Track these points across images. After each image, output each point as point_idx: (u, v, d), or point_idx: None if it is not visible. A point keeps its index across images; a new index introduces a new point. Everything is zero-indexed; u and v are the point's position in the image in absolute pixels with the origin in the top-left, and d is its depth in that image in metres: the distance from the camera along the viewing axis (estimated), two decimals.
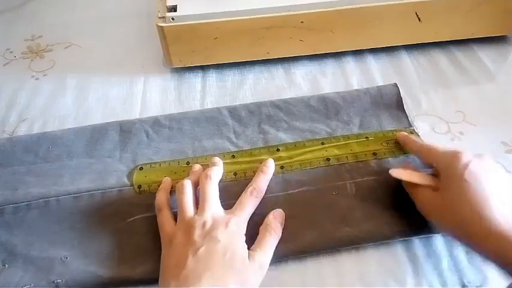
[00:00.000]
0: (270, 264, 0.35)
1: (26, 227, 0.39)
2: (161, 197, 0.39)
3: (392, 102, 0.47)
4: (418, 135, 0.44)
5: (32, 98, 0.52)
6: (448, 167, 0.35)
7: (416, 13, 0.50)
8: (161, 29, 0.48)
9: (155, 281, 0.34)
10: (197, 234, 0.34)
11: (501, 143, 0.44)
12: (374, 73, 0.53)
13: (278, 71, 0.54)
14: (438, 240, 0.37)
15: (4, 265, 0.37)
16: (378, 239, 0.37)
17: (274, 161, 0.42)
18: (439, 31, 0.53)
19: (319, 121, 0.46)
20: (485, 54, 0.54)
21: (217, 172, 0.39)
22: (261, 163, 0.42)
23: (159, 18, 0.49)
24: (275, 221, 0.37)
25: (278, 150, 0.43)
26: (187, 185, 0.38)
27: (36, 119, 0.50)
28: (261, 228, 0.37)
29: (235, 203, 0.37)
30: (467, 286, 0.35)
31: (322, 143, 0.44)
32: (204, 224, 0.35)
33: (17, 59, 0.58)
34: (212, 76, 0.54)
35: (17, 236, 0.38)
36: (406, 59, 0.54)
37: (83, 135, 0.46)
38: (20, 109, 0.51)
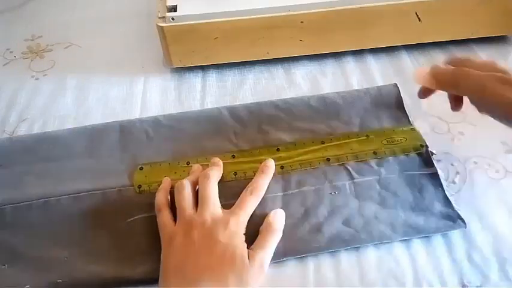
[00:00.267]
0: (269, 264, 0.35)
1: (26, 227, 0.39)
2: (161, 197, 0.39)
3: (392, 102, 0.47)
4: (419, 134, 0.44)
5: (32, 98, 0.52)
6: None
7: (416, 13, 0.50)
8: (161, 29, 0.48)
9: (155, 281, 0.34)
10: (197, 234, 0.34)
11: (501, 143, 0.44)
12: (374, 73, 0.53)
13: (278, 71, 0.54)
14: (438, 240, 0.37)
15: (4, 265, 0.37)
16: (378, 239, 0.37)
17: (274, 161, 0.42)
18: (439, 31, 0.53)
19: (319, 121, 0.46)
20: (485, 54, 0.54)
21: (216, 172, 0.39)
22: (261, 163, 0.42)
23: (159, 18, 0.49)
24: (276, 221, 0.37)
25: (278, 150, 0.43)
26: (187, 185, 0.38)
27: (36, 119, 0.50)
28: (261, 228, 0.37)
29: (235, 203, 0.37)
30: (467, 286, 0.35)
31: (322, 143, 0.44)
32: (203, 224, 0.35)
33: (17, 59, 0.58)
34: (212, 76, 0.54)
35: (17, 236, 0.38)
36: (406, 59, 0.54)
37: (83, 135, 0.46)
38: (20, 109, 0.51)
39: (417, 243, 0.37)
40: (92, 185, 0.41)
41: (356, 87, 0.51)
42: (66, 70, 0.56)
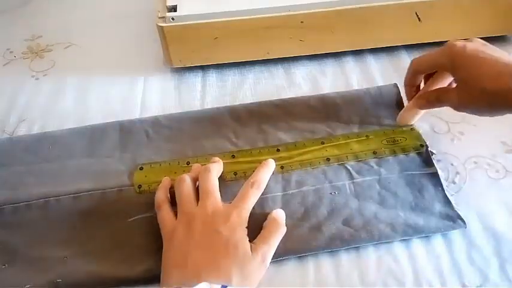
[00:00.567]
0: (269, 263, 0.35)
1: (26, 227, 0.39)
2: (161, 195, 0.38)
3: (392, 102, 0.47)
4: (419, 134, 0.44)
5: (32, 98, 0.52)
6: (450, 58, 0.37)
7: (416, 13, 0.50)
8: (161, 29, 0.49)
9: (155, 280, 0.34)
10: (198, 226, 0.34)
11: (501, 143, 0.44)
12: (374, 73, 0.53)
13: (278, 71, 0.54)
14: (438, 240, 0.37)
15: (4, 265, 0.37)
16: (378, 239, 0.37)
17: (274, 161, 0.42)
18: (439, 31, 0.53)
19: (319, 121, 0.46)
20: None
21: (217, 166, 0.39)
22: (260, 163, 0.42)
23: (159, 18, 0.49)
24: (280, 217, 0.37)
25: (278, 150, 0.43)
26: (187, 179, 0.38)
27: (36, 119, 0.50)
28: (265, 223, 0.37)
29: None
30: (467, 286, 0.35)
31: (322, 143, 0.44)
32: (205, 216, 0.35)
33: (17, 59, 0.58)
34: (212, 76, 0.54)
35: (16, 236, 0.38)
36: (406, 59, 0.54)
37: (83, 135, 0.46)
38: (20, 109, 0.51)
39: (417, 243, 0.37)
40: (92, 185, 0.41)
41: (356, 87, 0.51)
42: (66, 70, 0.56)
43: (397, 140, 0.43)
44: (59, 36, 0.60)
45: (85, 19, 0.63)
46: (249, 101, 0.49)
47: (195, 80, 0.53)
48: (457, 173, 0.42)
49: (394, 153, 0.42)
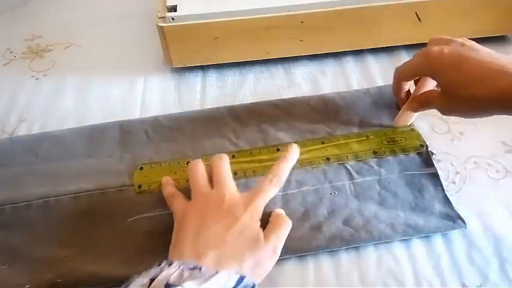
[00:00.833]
0: None
1: (26, 227, 0.39)
2: (169, 189, 0.39)
3: (392, 102, 0.47)
4: (419, 134, 0.44)
5: (32, 98, 0.52)
6: (428, 66, 0.37)
7: (416, 13, 0.50)
8: (161, 29, 0.48)
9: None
10: (214, 208, 0.34)
11: (501, 143, 0.44)
12: (374, 73, 0.53)
13: (278, 71, 0.54)
14: (438, 240, 0.37)
15: (4, 265, 0.37)
16: (378, 238, 0.37)
17: (274, 161, 0.42)
18: (439, 31, 0.53)
19: (319, 121, 0.46)
20: None
21: (227, 156, 0.39)
22: (260, 163, 0.42)
23: (159, 18, 0.49)
24: (284, 213, 0.37)
25: (278, 150, 0.43)
26: (200, 164, 0.38)
27: (36, 119, 0.50)
28: (270, 219, 0.37)
29: None
30: (467, 286, 0.35)
31: (322, 143, 0.44)
32: (221, 200, 0.35)
33: (17, 59, 0.58)
34: (212, 76, 0.54)
35: (16, 236, 0.38)
36: (406, 59, 0.54)
37: (83, 135, 0.46)
38: (20, 109, 0.51)
39: (417, 243, 0.37)
40: (92, 185, 0.41)
41: (356, 87, 0.51)
42: (66, 70, 0.56)
43: (397, 140, 0.43)
44: (59, 36, 0.60)
45: (85, 19, 0.63)
46: (249, 101, 0.49)
47: (195, 80, 0.53)
48: (457, 173, 0.42)
49: (394, 153, 0.42)
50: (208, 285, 0.27)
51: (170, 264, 0.30)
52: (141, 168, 0.43)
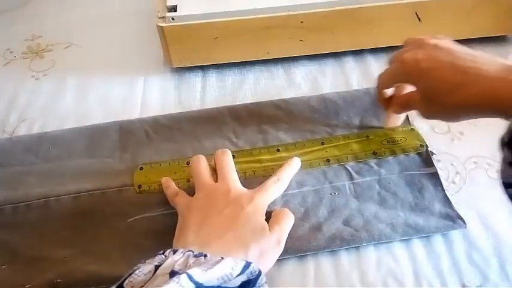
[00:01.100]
0: None
1: (26, 227, 0.39)
2: (173, 188, 0.39)
3: None
4: (419, 134, 0.44)
5: (32, 98, 0.52)
6: (404, 72, 0.36)
7: (416, 13, 0.50)
8: (161, 29, 0.48)
9: None
10: (220, 198, 0.35)
11: None
12: (374, 73, 0.53)
13: (278, 71, 0.54)
14: (438, 240, 0.37)
15: (4, 265, 0.37)
16: (378, 238, 0.37)
17: (274, 161, 0.42)
18: (439, 31, 0.53)
19: (319, 121, 0.46)
20: None
21: (229, 151, 0.40)
22: (260, 163, 0.42)
23: (159, 18, 0.49)
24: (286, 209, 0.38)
25: (278, 150, 0.43)
26: (203, 158, 0.39)
27: (36, 119, 0.49)
28: (274, 213, 0.37)
29: None
30: (467, 286, 0.35)
31: (322, 143, 0.44)
32: (227, 192, 0.35)
33: (17, 59, 0.58)
34: (212, 76, 0.54)
35: (16, 236, 0.38)
36: None
37: (83, 135, 0.46)
38: (20, 109, 0.51)
39: (417, 243, 0.37)
40: (92, 185, 0.41)
41: (356, 87, 0.51)
42: (66, 70, 0.56)
43: (397, 140, 0.43)
44: (59, 36, 0.60)
45: (85, 19, 0.63)
46: (249, 101, 0.49)
47: (195, 80, 0.53)
48: (457, 173, 0.42)
49: (394, 153, 0.42)
50: (214, 271, 0.27)
51: (175, 252, 0.30)
52: (141, 168, 0.43)
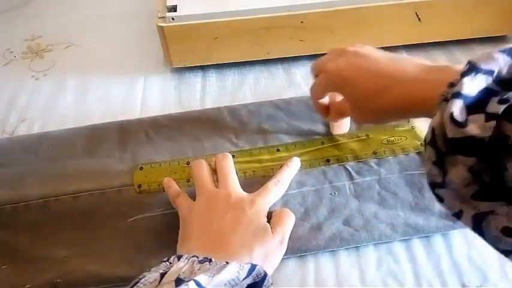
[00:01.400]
0: None
1: (26, 227, 0.39)
2: (174, 188, 0.39)
3: None
4: (419, 133, 0.44)
5: (32, 98, 0.52)
6: (331, 84, 0.36)
7: (416, 13, 0.50)
8: (161, 29, 0.49)
9: None
10: (222, 204, 0.35)
11: None
12: None
13: (278, 71, 0.54)
14: (438, 240, 0.37)
15: (4, 265, 0.37)
16: (378, 238, 0.37)
17: (274, 161, 0.42)
18: (439, 31, 0.53)
19: (319, 121, 0.46)
20: None
21: (230, 155, 0.40)
22: (260, 163, 0.42)
23: (159, 18, 0.49)
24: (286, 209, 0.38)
25: (278, 150, 0.43)
26: (204, 162, 0.39)
27: (36, 119, 0.50)
28: (274, 213, 0.37)
29: None
30: (467, 286, 0.35)
31: (322, 143, 0.44)
32: (228, 197, 0.35)
33: (17, 59, 0.58)
34: (212, 76, 0.54)
35: (16, 236, 0.38)
36: None
37: (83, 135, 0.46)
38: (20, 109, 0.51)
39: (417, 243, 0.37)
40: (92, 185, 0.41)
41: None
42: (66, 70, 0.56)
43: (397, 140, 0.43)
44: (59, 36, 0.61)
45: (85, 19, 0.63)
46: (249, 101, 0.49)
47: (195, 80, 0.53)
48: None
49: (394, 153, 0.42)
50: (221, 276, 0.27)
51: (179, 259, 0.30)
52: (141, 168, 0.43)
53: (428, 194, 0.39)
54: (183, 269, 0.28)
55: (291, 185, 0.40)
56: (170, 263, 0.29)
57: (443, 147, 0.23)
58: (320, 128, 0.45)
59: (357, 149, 0.43)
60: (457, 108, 0.22)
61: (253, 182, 0.39)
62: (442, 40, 0.54)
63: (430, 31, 0.53)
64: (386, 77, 0.31)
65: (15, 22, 0.64)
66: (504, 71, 0.23)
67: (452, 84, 0.23)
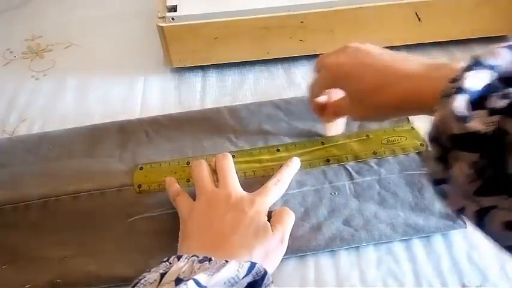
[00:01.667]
0: None
1: (26, 227, 0.39)
2: (175, 188, 0.39)
3: None
4: (419, 133, 0.44)
5: (32, 98, 0.52)
6: (330, 80, 0.36)
7: (416, 13, 0.50)
8: (161, 29, 0.49)
9: None
10: (222, 204, 0.35)
11: None
12: None
13: (278, 71, 0.54)
14: (438, 240, 0.37)
15: (4, 265, 0.37)
16: (378, 238, 0.37)
17: (274, 161, 0.42)
18: (439, 31, 0.53)
19: (319, 121, 0.46)
20: None
21: (230, 155, 0.40)
22: (260, 163, 0.42)
23: (159, 18, 0.49)
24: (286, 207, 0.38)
25: (278, 150, 0.43)
26: (204, 163, 0.39)
27: (36, 119, 0.50)
28: (274, 213, 0.37)
29: None
30: (467, 286, 0.35)
31: (322, 143, 0.44)
32: (228, 197, 0.36)
33: (17, 59, 0.58)
34: (212, 76, 0.54)
35: (16, 236, 0.38)
36: None
37: (83, 135, 0.46)
38: (20, 109, 0.51)
39: (417, 243, 0.37)
40: (92, 185, 0.41)
41: None
42: (66, 70, 0.56)
43: (397, 140, 0.43)
44: (59, 36, 0.61)
45: (85, 19, 0.63)
46: (249, 101, 0.49)
47: (195, 80, 0.53)
48: None
49: (394, 153, 0.42)
50: (220, 274, 0.27)
51: (179, 258, 0.30)
52: (141, 168, 0.43)
53: (429, 194, 0.39)
54: (183, 269, 0.28)
55: (291, 185, 0.40)
56: (170, 263, 0.29)
57: (446, 143, 0.23)
58: (320, 128, 0.45)
59: (357, 149, 0.43)
60: (459, 103, 0.22)
61: (253, 182, 0.39)
62: (442, 40, 0.54)
63: (430, 31, 0.53)
64: (387, 73, 0.32)
65: (15, 22, 0.64)
66: (507, 67, 0.23)
67: (454, 80, 0.23)
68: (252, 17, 0.48)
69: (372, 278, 0.35)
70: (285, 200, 0.39)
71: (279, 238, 0.34)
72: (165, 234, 0.37)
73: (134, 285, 0.28)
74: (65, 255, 0.37)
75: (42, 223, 0.39)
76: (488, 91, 0.22)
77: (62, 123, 0.49)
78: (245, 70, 0.54)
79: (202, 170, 0.38)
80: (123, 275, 0.36)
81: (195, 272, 0.28)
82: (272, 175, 0.40)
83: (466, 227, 0.37)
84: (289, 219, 0.36)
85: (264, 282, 0.28)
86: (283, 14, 0.48)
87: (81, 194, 0.41)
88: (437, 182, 0.24)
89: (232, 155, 0.43)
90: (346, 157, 0.42)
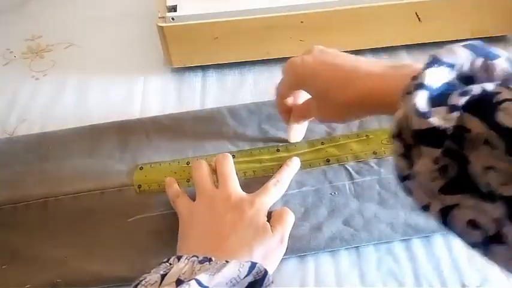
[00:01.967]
0: None
1: (26, 227, 0.39)
2: (175, 188, 0.39)
3: None
4: None
5: (32, 98, 0.52)
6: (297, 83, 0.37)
7: (416, 13, 0.50)
8: (161, 29, 0.49)
9: None
10: (221, 206, 0.35)
11: None
12: None
13: (278, 71, 0.54)
14: (438, 240, 0.37)
15: (4, 265, 0.37)
16: (378, 238, 0.37)
17: (274, 161, 0.42)
18: (439, 31, 0.53)
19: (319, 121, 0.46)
20: None
21: (230, 155, 0.40)
22: (261, 163, 0.42)
23: (159, 18, 0.49)
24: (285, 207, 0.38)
25: (278, 150, 0.43)
26: (203, 164, 0.39)
27: (36, 119, 0.50)
28: (274, 213, 0.37)
29: None
30: (467, 286, 0.35)
31: (322, 143, 0.44)
32: (228, 198, 0.36)
33: (17, 59, 0.58)
34: (212, 76, 0.54)
35: (16, 236, 0.39)
36: (406, 59, 0.54)
37: (82, 135, 0.46)
38: (20, 109, 0.51)
39: (417, 243, 0.37)
40: (92, 185, 0.41)
41: None
42: (66, 70, 0.56)
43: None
44: (59, 36, 0.60)
45: (85, 19, 0.63)
46: (249, 101, 0.49)
47: (195, 80, 0.53)
48: None
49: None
50: (222, 274, 0.27)
51: (179, 259, 0.30)
52: (141, 168, 0.43)
53: None
54: (184, 270, 0.28)
55: (290, 185, 0.40)
56: (170, 264, 0.29)
57: (409, 139, 0.23)
58: (320, 128, 0.45)
59: (357, 149, 0.43)
60: (420, 99, 0.22)
61: (253, 182, 0.40)
62: (442, 40, 0.54)
63: (430, 31, 0.53)
64: (349, 71, 0.32)
65: (15, 22, 0.64)
66: (465, 66, 0.24)
67: (415, 78, 0.24)
68: (252, 17, 0.48)
69: (371, 278, 0.35)
70: (285, 200, 0.39)
71: (279, 238, 0.35)
72: (165, 234, 0.37)
73: (134, 286, 0.28)
74: (65, 255, 0.37)
75: (42, 223, 0.39)
76: (447, 88, 0.23)
77: (62, 123, 0.48)
78: (245, 70, 0.54)
79: (202, 170, 0.39)
80: (123, 275, 0.36)
81: (195, 273, 0.28)
82: (272, 175, 0.40)
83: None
84: (289, 219, 0.36)
85: (265, 282, 0.29)
86: (283, 14, 0.48)
87: (81, 194, 0.41)
88: (402, 178, 0.24)
89: (232, 155, 0.43)
90: (346, 157, 0.42)
